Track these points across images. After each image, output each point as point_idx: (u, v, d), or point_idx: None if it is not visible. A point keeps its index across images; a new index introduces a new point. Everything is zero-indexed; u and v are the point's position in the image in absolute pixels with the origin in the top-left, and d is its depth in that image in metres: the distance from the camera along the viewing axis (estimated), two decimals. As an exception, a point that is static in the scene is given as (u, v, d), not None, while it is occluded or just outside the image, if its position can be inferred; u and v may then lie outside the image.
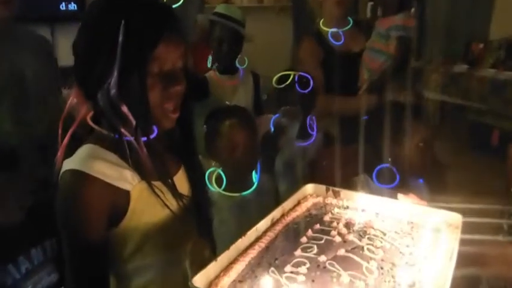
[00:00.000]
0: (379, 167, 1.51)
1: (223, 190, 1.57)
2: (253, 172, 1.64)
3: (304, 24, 4.89)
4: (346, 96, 1.96)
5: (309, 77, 1.82)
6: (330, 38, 2.07)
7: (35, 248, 1.47)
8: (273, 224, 0.90)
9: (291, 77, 1.81)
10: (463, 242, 0.81)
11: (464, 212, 0.90)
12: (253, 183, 1.62)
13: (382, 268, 0.73)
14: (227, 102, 1.96)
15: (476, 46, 3.87)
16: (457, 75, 3.88)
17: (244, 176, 1.63)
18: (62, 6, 4.49)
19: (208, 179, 1.55)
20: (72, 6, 4.53)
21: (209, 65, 2.14)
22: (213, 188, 1.56)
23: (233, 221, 1.57)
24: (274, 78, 1.86)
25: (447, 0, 4.22)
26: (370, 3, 4.39)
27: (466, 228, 0.86)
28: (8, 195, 1.40)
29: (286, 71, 1.88)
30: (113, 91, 0.87)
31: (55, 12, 4.49)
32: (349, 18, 2.14)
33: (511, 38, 3.70)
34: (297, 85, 1.80)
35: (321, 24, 2.13)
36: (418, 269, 0.73)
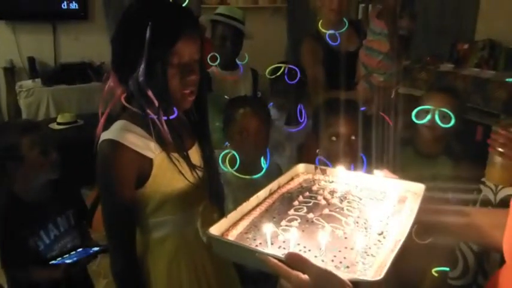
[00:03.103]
0: None
1: (236, 171, 1.76)
2: (262, 158, 1.84)
3: (299, 24, 5.08)
4: (345, 91, 2.15)
5: (297, 69, 2.06)
6: (328, 39, 2.26)
7: (60, 216, 1.68)
8: (271, 193, 1.09)
9: (282, 68, 2.05)
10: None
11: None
12: (263, 168, 1.81)
13: (357, 222, 0.93)
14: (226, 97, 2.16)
15: (462, 46, 4.05)
16: (443, 73, 4.05)
17: (254, 160, 1.82)
18: (64, 5, 4.66)
19: (222, 160, 1.74)
20: (74, 5, 4.71)
21: (209, 62, 2.33)
22: (226, 168, 1.75)
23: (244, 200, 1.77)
24: (268, 70, 2.10)
25: (435, 2, 4.41)
26: (361, 5, 4.60)
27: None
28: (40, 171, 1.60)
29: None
30: (141, 78, 1.08)
31: (57, 11, 4.66)
32: (345, 20, 2.32)
33: (494, 39, 3.89)
34: (286, 76, 2.04)
35: (319, 25, 2.31)
36: (386, 223, 0.92)
